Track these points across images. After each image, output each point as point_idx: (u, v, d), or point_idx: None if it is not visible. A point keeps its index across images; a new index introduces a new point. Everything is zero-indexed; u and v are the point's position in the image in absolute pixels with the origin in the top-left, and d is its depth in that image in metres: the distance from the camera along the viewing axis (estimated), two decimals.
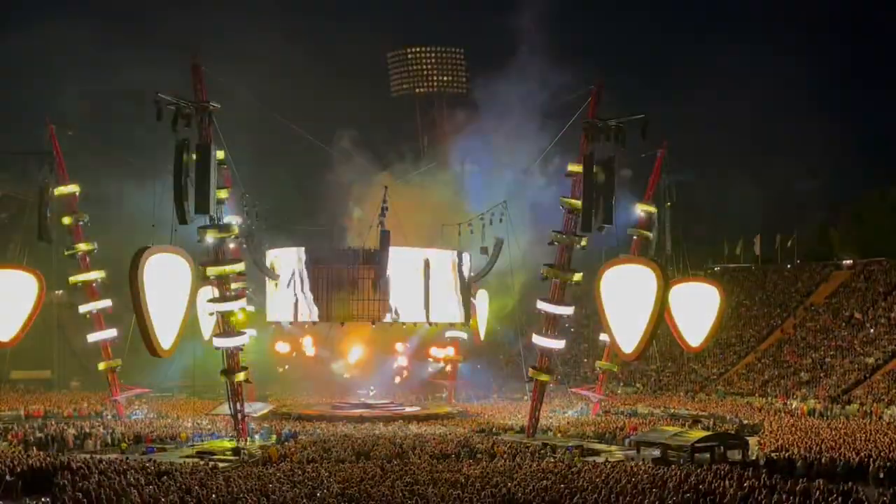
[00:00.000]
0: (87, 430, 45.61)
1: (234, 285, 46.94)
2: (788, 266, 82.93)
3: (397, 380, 72.90)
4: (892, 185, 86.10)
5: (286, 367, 71.61)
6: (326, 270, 57.47)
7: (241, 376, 45.06)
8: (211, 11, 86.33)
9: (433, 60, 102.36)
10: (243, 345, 46.04)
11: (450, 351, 70.43)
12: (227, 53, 78.71)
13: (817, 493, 27.41)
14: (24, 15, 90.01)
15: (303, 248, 59.23)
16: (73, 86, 75.76)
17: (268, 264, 58.26)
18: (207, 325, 57.31)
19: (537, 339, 47.83)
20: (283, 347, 69.17)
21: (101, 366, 55.65)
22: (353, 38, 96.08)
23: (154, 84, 40.95)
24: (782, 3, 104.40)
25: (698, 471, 31.49)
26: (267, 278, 59.08)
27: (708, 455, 36.16)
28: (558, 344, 47.93)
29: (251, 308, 59.92)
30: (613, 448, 43.38)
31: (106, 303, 55.06)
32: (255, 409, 54.30)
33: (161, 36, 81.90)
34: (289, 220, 64.37)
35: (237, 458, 38.79)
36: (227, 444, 43.08)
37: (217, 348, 45.31)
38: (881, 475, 32.08)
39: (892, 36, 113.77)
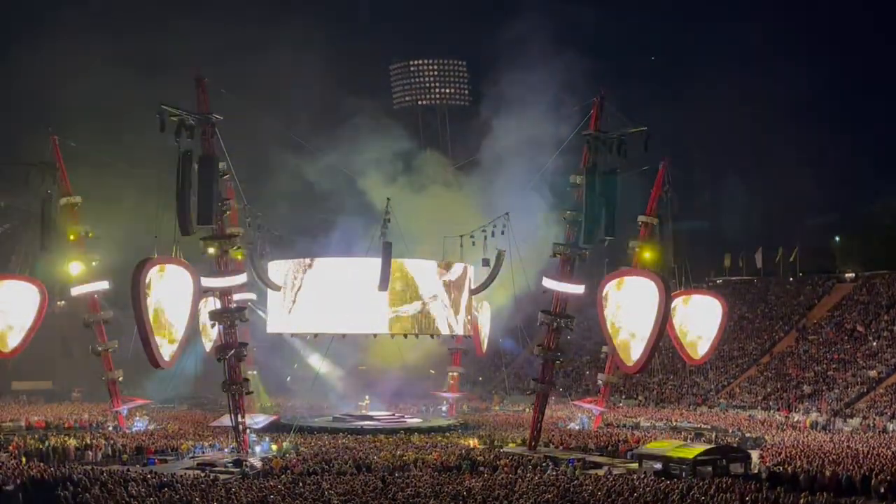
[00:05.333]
0: (89, 442, 45.55)
1: (237, 296, 46.93)
2: (791, 279, 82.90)
3: (399, 391, 72.83)
4: (895, 197, 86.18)
5: (288, 378, 71.59)
6: (328, 281, 57.37)
7: (242, 388, 44.96)
8: (214, 24, 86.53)
9: (435, 73, 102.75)
10: (244, 356, 45.97)
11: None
12: (230, 65, 78.98)
13: None
14: (27, 25, 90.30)
15: (304, 259, 59.17)
16: (77, 96, 76.05)
17: (269, 275, 58.18)
18: (209, 337, 57.29)
19: (539, 351, 47.73)
20: (284, 358, 69.25)
21: (102, 377, 55.54)
22: (355, 51, 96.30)
23: (158, 96, 41.11)
24: (787, 10, 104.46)
25: (700, 484, 31.42)
26: (269, 289, 59.01)
27: (710, 468, 36.02)
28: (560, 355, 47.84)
29: (252, 319, 60.01)
30: (615, 461, 43.25)
31: (108, 314, 55.07)
32: (257, 420, 54.22)
33: (165, 48, 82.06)
34: (290, 231, 64.37)
35: (238, 469, 38.71)
36: (228, 456, 43.01)
37: (218, 360, 45.25)
38: (883, 489, 31.98)
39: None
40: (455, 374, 68.58)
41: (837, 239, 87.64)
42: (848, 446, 42.47)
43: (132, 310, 39.58)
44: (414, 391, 72.89)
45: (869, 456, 38.73)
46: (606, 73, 77.13)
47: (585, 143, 44.10)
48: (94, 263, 54.05)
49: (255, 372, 63.30)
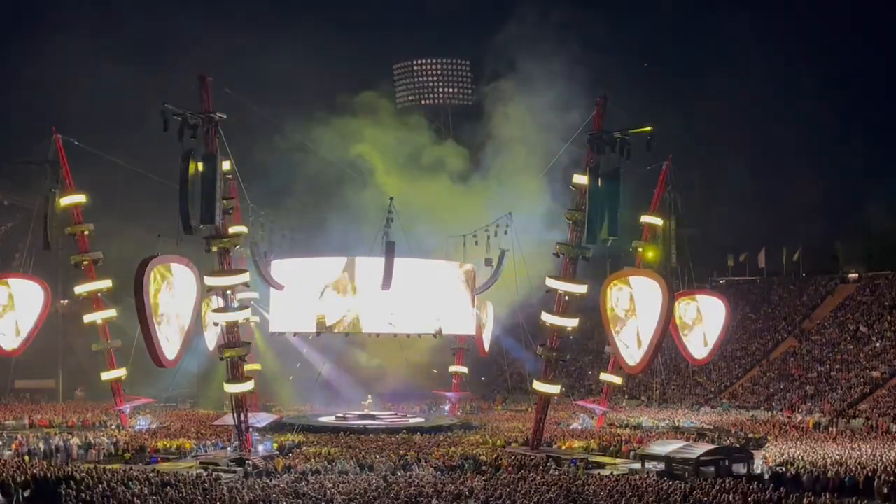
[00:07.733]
0: (92, 440, 45.60)
1: (239, 295, 46.93)
2: (794, 279, 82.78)
3: (401, 390, 72.83)
4: None
5: (290, 377, 71.61)
6: (331, 280, 57.40)
7: (244, 386, 44.95)
8: (218, 23, 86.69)
9: (439, 72, 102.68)
10: (247, 355, 46.01)
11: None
12: (234, 64, 79.09)
13: None
14: (32, 25, 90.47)
15: (307, 259, 59.18)
16: (81, 95, 76.21)
17: (272, 274, 58.24)
18: (212, 335, 57.33)
19: (542, 351, 47.69)
20: (286, 358, 69.25)
21: (105, 376, 55.57)
22: (358, 51, 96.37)
23: (162, 94, 41.11)
24: (790, 11, 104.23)
25: (703, 484, 31.40)
26: (271, 289, 59.06)
27: (713, 468, 36.03)
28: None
29: (256, 318, 60.09)
30: (618, 461, 43.22)
31: (111, 312, 55.10)
32: (259, 419, 54.22)
33: (168, 47, 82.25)
34: (294, 231, 64.36)
35: (241, 468, 38.72)
36: (231, 455, 43.00)
37: (221, 358, 45.24)
38: (886, 490, 31.93)
39: None
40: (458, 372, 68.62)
41: (840, 239, 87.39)
42: (850, 447, 42.42)
43: (135, 308, 39.63)
44: (416, 390, 72.86)
45: (872, 457, 38.69)
46: (609, 71, 77.08)
47: (588, 143, 44.05)
48: (98, 262, 54.08)
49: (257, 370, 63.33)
